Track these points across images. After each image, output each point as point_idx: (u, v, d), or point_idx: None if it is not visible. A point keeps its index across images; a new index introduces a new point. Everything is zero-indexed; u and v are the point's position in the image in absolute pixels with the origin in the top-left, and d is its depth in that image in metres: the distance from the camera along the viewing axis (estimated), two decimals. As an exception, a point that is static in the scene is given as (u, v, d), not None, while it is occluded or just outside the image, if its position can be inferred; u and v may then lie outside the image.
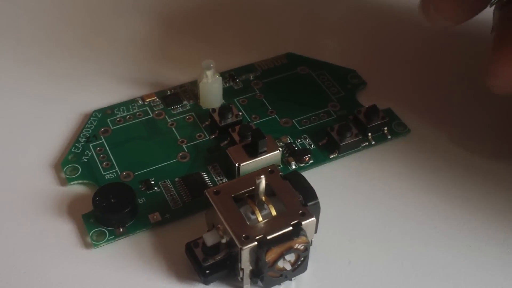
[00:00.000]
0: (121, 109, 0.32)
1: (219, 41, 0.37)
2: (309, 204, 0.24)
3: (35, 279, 0.25)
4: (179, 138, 0.31)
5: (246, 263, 0.23)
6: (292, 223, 0.23)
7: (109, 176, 0.29)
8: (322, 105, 0.32)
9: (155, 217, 0.27)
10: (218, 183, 0.28)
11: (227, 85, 0.33)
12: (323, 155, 0.30)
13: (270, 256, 0.23)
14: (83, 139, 0.30)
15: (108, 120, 0.31)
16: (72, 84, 0.34)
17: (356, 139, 0.30)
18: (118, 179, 0.29)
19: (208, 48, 0.36)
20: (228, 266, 0.24)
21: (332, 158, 0.30)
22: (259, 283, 0.24)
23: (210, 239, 0.24)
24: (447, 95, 0.33)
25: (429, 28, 0.36)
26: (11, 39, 0.37)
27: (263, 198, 0.24)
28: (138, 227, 0.27)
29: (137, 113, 0.32)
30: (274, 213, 0.24)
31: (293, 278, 0.25)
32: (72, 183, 0.29)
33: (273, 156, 0.28)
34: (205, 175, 0.29)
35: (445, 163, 0.30)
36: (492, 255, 0.26)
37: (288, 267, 0.24)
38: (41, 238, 0.27)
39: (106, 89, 0.33)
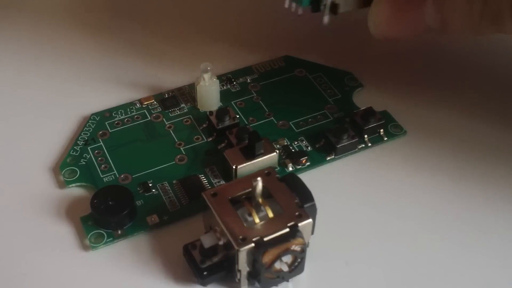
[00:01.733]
0: (119, 112, 0.32)
1: (216, 44, 0.37)
2: (305, 205, 0.24)
3: (34, 281, 0.25)
4: (176, 140, 0.31)
5: (243, 265, 0.24)
6: (289, 224, 0.24)
7: (107, 179, 0.29)
8: (319, 107, 0.32)
9: (153, 219, 0.27)
10: (215, 186, 0.29)
11: (225, 88, 0.34)
12: (320, 157, 0.30)
13: (267, 258, 0.23)
14: (82, 142, 0.31)
15: (106, 123, 0.32)
16: (70, 87, 0.34)
17: (353, 141, 0.30)
18: (116, 181, 0.29)
19: (205, 51, 0.36)
20: (225, 267, 0.25)
21: (328, 160, 0.30)
22: (256, 284, 0.24)
23: (207, 241, 0.24)
24: (443, 97, 0.33)
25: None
26: (10, 42, 0.37)
27: (260, 200, 0.24)
28: (136, 229, 0.27)
29: (135, 116, 0.32)
30: (271, 215, 0.24)
31: (290, 280, 0.25)
32: (70, 185, 0.29)
33: (270, 158, 0.29)
34: (202, 178, 0.29)
35: (441, 164, 0.30)
36: (491, 255, 0.26)
37: (285, 268, 0.24)
38: (39, 240, 0.27)
39: (104, 92, 0.34)
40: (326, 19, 0.28)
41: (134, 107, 0.32)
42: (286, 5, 0.28)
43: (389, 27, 0.28)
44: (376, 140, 0.31)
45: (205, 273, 0.25)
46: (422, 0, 0.27)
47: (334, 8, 0.28)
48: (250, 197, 0.24)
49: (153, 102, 0.33)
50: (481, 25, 0.25)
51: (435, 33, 0.28)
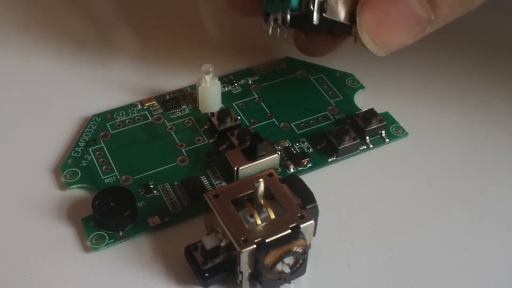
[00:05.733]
0: (120, 114, 0.32)
1: (217, 46, 0.37)
2: (307, 207, 0.24)
3: (35, 282, 0.25)
4: (178, 142, 0.31)
5: (245, 266, 0.24)
6: (290, 226, 0.24)
7: (109, 180, 0.29)
8: (320, 109, 0.32)
9: (154, 220, 0.27)
10: (217, 187, 0.29)
11: (226, 89, 0.34)
12: (321, 158, 0.30)
13: (269, 259, 0.23)
14: (83, 143, 0.31)
15: (107, 124, 0.32)
16: (72, 88, 0.34)
17: (354, 142, 0.30)
18: (117, 183, 0.29)
19: (207, 53, 0.36)
20: (227, 269, 0.25)
21: (330, 161, 0.30)
22: (258, 286, 0.24)
23: (209, 242, 0.24)
24: (444, 98, 0.33)
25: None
26: (11, 43, 0.37)
27: (262, 201, 0.24)
28: (138, 231, 0.27)
29: (137, 117, 0.32)
30: (272, 216, 0.24)
31: (292, 281, 0.25)
32: (71, 187, 0.29)
33: (272, 159, 0.29)
34: (204, 179, 0.29)
35: (443, 166, 0.30)
36: (491, 257, 0.26)
37: (287, 270, 0.24)
38: (41, 242, 0.27)
39: (106, 93, 0.34)
40: (315, 18, 0.27)
41: (135, 109, 0.32)
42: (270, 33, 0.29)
43: (382, 29, 0.27)
44: (378, 141, 0.31)
45: (206, 274, 0.25)
46: None
47: (322, 7, 0.27)
48: (252, 199, 0.24)
49: (154, 103, 0.33)
50: None
51: (426, 26, 0.27)
